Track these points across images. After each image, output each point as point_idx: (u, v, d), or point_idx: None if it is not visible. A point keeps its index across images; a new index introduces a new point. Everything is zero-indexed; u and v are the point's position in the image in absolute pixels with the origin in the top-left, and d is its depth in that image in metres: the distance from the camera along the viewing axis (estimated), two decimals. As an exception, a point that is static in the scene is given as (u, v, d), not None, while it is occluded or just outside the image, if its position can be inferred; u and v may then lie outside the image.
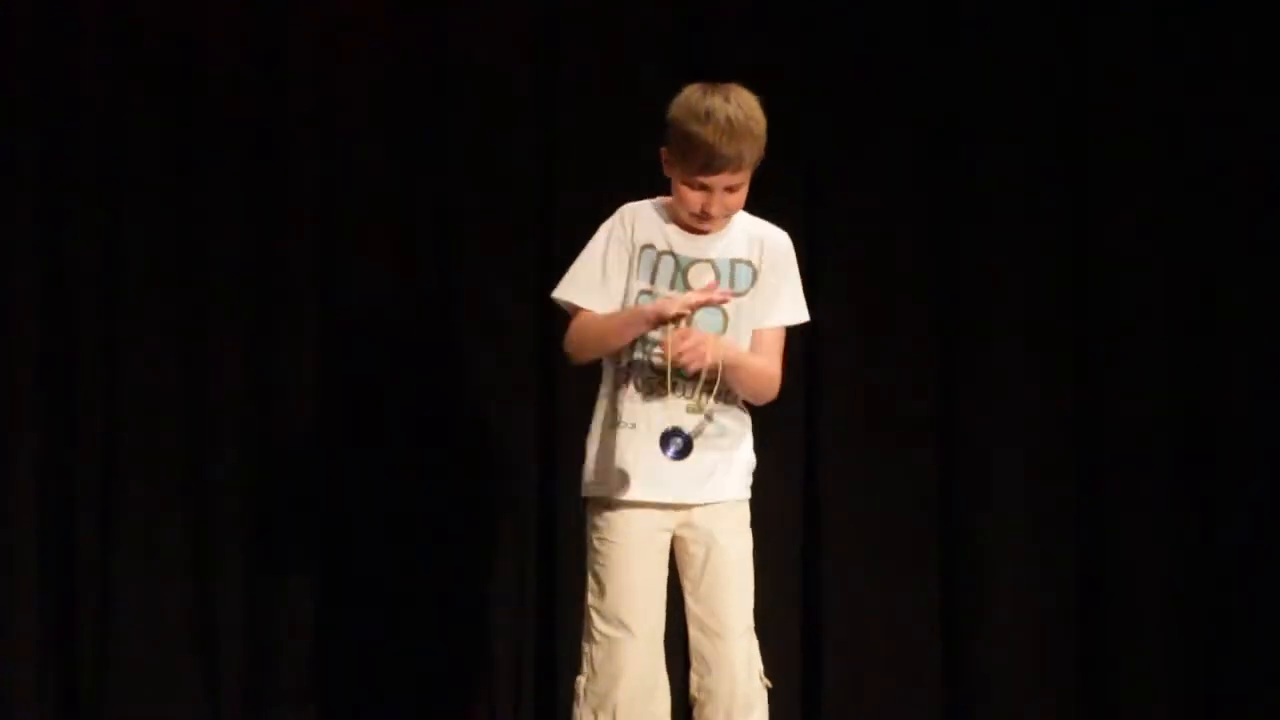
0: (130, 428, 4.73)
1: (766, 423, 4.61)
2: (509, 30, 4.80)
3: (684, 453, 3.70)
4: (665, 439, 3.69)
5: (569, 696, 3.81)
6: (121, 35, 4.73)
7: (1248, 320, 4.85)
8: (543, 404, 4.75)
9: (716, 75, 4.54)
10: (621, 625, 3.72)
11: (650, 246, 3.76)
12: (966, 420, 4.87)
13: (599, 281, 3.77)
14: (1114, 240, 4.88)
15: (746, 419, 3.84)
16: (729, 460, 3.80)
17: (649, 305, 3.69)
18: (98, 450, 4.73)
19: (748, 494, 3.85)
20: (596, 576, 3.78)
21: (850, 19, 4.85)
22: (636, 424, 3.75)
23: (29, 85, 4.71)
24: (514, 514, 4.78)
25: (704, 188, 3.68)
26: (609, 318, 3.75)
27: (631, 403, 3.76)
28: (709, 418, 3.74)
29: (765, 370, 3.79)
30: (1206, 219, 4.87)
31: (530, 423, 4.77)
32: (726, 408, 3.78)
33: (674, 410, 3.73)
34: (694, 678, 3.77)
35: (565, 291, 3.81)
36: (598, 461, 3.80)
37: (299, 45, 4.77)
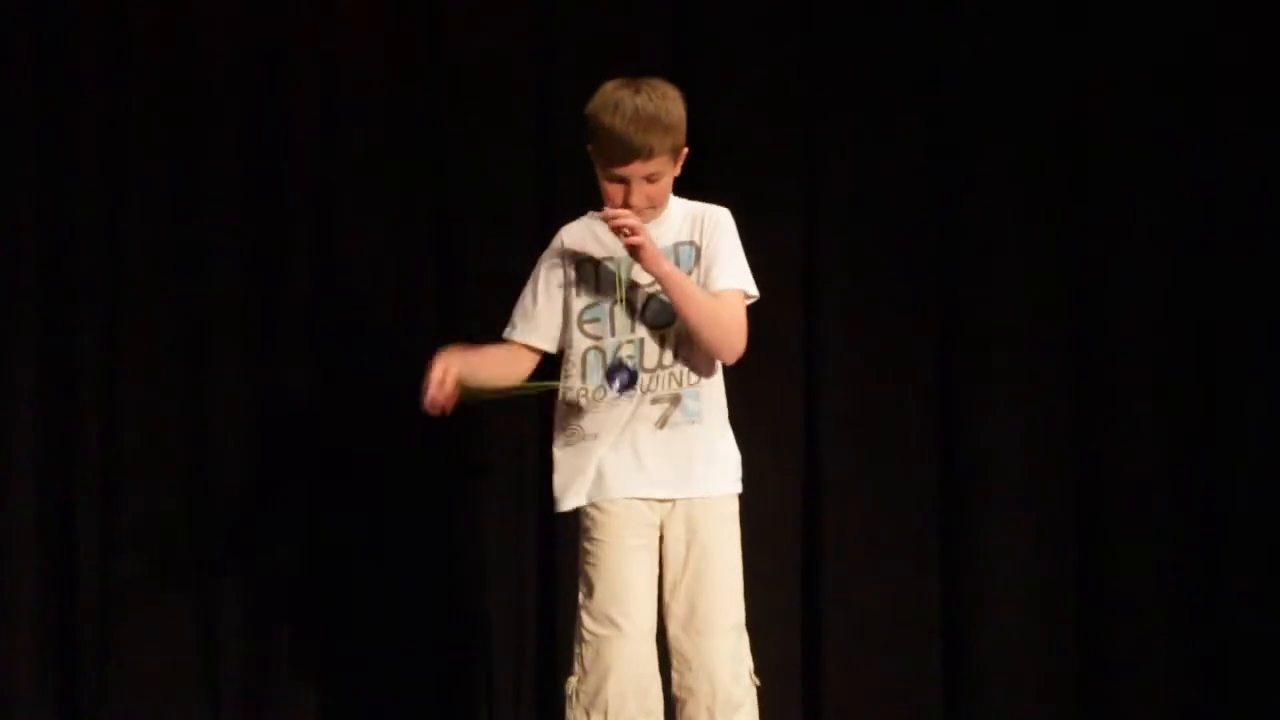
0: (130, 427, 4.74)
1: (767, 423, 4.64)
2: (509, 29, 4.81)
3: (630, 384, 3.70)
4: (611, 373, 3.71)
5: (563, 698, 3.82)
6: (121, 35, 4.74)
7: (1249, 320, 4.84)
8: (543, 404, 4.74)
9: (717, 75, 4.57)
10: (611, 623, 3.72)
11: (588, 260, 3.78)
12: (966, 420, 4.86)
13: (528, 312, 3.85)
14: (1114, 242, 4.87)
15: (719, 406, 3.82)
16: (709, 454, 3.79)
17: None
18: (97, 450, 4.73)
19: (735, 488, 3.84)
20: (586, 576, 3.78)
21: (851, 19, 4.85)
22: (599, 434, 3.77)
23: (29, 85, 4.72)
24: (514, 514, 4.78)
25: (621, 179, 3.70)
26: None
27: (593, 414, 3.77)
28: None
29: (717, 307, 3.74)
30: (1207, 219, 4.87)
31: (530, 422, 4.77)
32: (694, 387, 3.77)
33: (636, 420, 3.75)
34: (675, 676, 3.76)
35: (508, 330, 3.89)
36: (565, 476, 3.83)
37: (299, 45, 4.77)
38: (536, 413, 4.75)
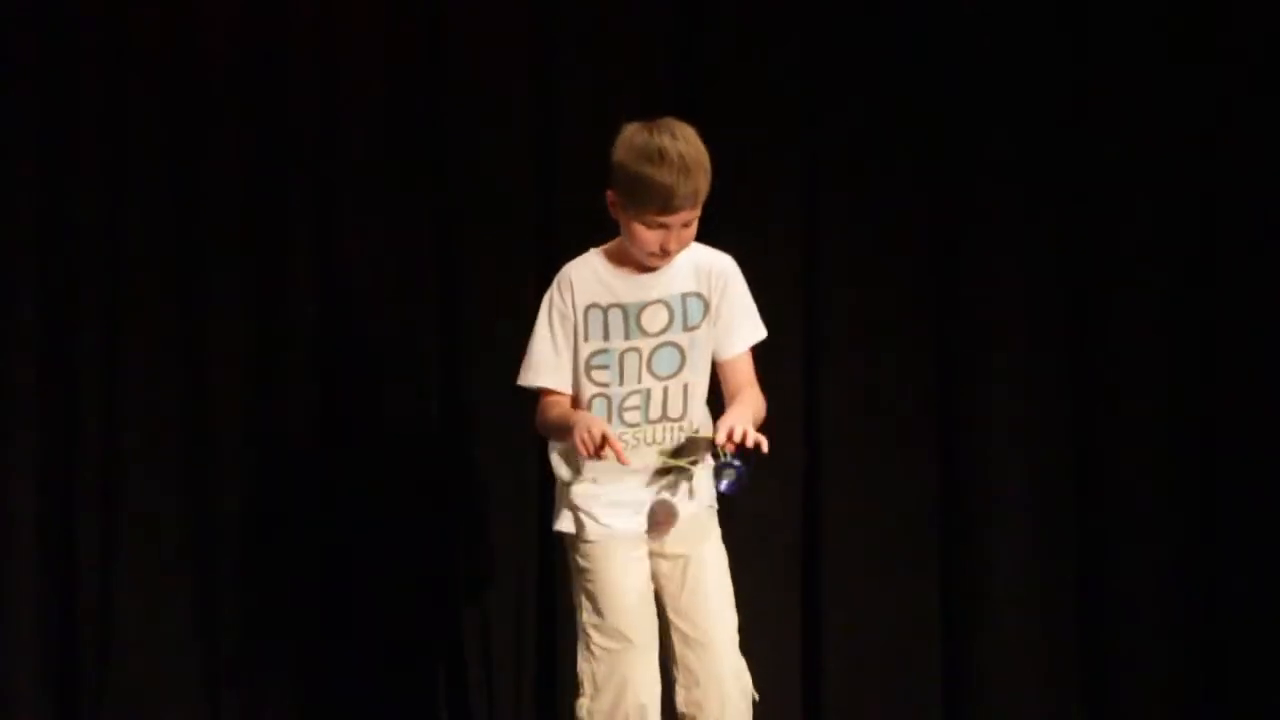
0: (130, 427, 4.74)
1: (767, 423, 4.63)
2: (509, 30, 4.80)
3: (738, 483, 3.63)
4: (718, 472, 3.64)
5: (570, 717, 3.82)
6: (121, 35, 4.74)
7: (1248, 321, 4.84)
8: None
9: (717, 75, 4.56)
10: (622, 637, 3.72)
11: (595, 305, 3.75)
12: (966, 421, 4.86)
13: (553, 359, 3.77)
14: (1115, 241, 4.87)
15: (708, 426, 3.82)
16: (686, 505, 3.79)
17: (579, 432, 3.63)
18: (98, 450, 4.73)
19: (715, 501, 3.85)
20: (589, 594, 3.77)
21: (850, 21, 4.84)
22: (599, 479, 3.77)
23: (29, 85, 4.72)
24: (514, 514, 4.78)
25: (662, 226, 3.66)
26: (558, 419, 3.76)
27: (592, 462, 3.73)
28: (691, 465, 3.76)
29: (759, 401, 3.78)
30: (1206, 221, 4.86)
31: (530, 424, 4.76)
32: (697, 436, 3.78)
33: (633, 469, 3.72)
34: (680, 692, 3.76)
35: (525, 377, 3.81)
36: (565, 509, 3.82)
37: (299, 45, 4.77)
38: (535, 411, 4.75)
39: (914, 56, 4.85)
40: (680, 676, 3.75)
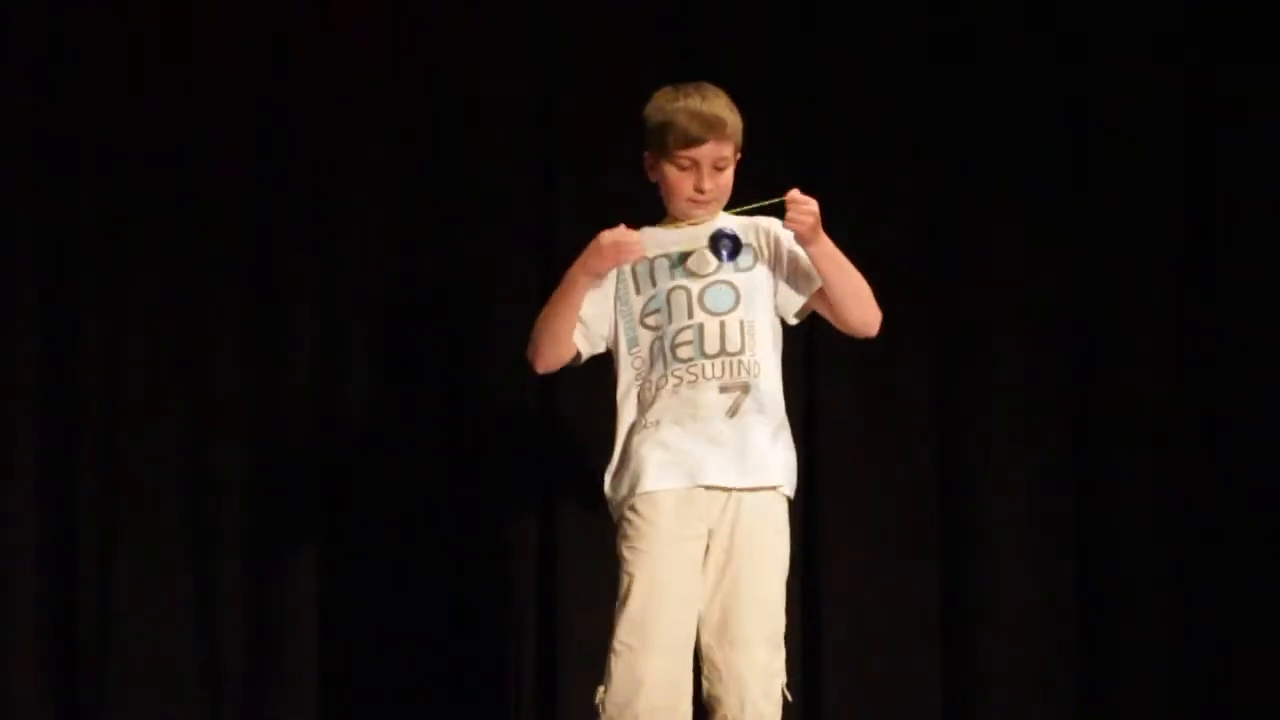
0: (130, 428, 4.74)
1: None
2: (510, 29, 4.81)
3: (735, 253, 3.72)
4: (714, 241, 3.71)
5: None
6: (121, 35, 4.74)
7: (1249, 320, 4.84)
8: (543, 404, 4.75)
9: (717, 77, 4.53)
10: (644, 637, 3.65)
11: (642, 259, 3.78)
12: (966, 420, 4.86)
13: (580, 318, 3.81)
14: (1115, 240, 4.87)
15: (780, 402, 3.81)
16: (773, 447, 3.77)
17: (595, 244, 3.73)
18: (98, 450, 4.73)
19: (790, 490, 3.83)
20: (624, 585, 3.71)
21: (851, 22, 4.85)
22: (661, 420, 3.74)
23: (29, 85, 4.72)
24: (514, 514, 4.78)
25: (693, 163, 3.72)
26: (553, 296, 3.81)
27: (659, 401, 3.74)
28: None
29: (861, 280, 3.79)
30: (1207, 220, 4.87)
31: (530, 422, 4.77)
32: (758, 379, 3.75)
33: (706, 409, 3.72)
34: (705, 683, 3.71)
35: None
36: (624, 465, 3.76)
37: (299, 45, 4.77)
38: (535, 411, 4.76)
39: (916, 55, 4.86)
40: (705, 668, 3.70)
